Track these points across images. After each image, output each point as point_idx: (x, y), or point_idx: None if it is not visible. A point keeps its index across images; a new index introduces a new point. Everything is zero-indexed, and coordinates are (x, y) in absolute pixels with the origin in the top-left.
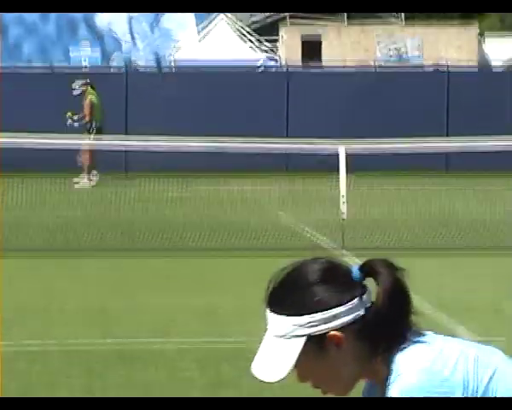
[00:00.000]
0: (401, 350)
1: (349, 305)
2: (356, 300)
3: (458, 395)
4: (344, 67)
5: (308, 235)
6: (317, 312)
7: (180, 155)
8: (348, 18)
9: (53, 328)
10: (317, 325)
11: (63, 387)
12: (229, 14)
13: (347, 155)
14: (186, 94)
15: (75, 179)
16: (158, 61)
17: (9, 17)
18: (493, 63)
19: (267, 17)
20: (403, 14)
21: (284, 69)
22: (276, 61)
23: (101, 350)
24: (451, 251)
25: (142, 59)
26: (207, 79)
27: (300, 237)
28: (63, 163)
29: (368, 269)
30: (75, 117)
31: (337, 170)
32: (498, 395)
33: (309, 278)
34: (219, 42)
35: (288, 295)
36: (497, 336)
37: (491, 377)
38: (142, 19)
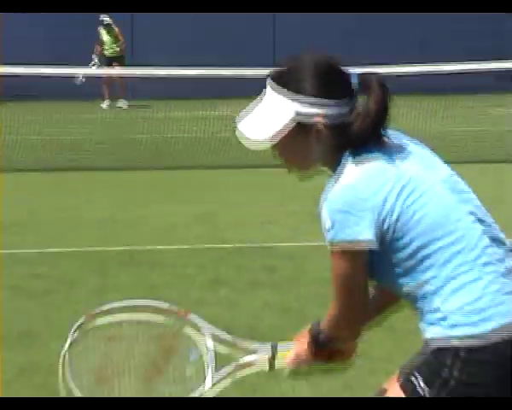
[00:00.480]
0: (352, 157)
1: (338, 102)
2: (345, 99)
3: (372, 215)
4: None
5: None
6: (312, 96)
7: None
8: None
9: (69, 235)
10: (308, 108)
11: (81, 286)
12: None
13: None
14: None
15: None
16: None
17: None
18: None
19: None
20: None
21: None
22: None
23: (112, 255)
24: None
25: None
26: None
27: None
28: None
29: (364, 80)
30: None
31: None
32: (413, 211)
33: (312, 66)
34: None
35: (290, 76)
36: None
37: (416, 199)
38: None
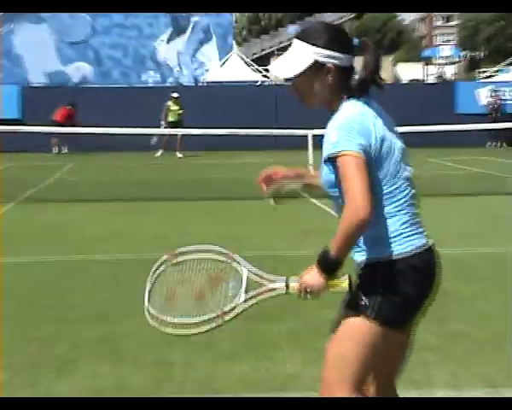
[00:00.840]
0: (350, 99)
1: (346, 55)
2: (348, 54)
3: (365, 139)
4: None
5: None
6: (327, 48)
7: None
8: None
9: (137, 246)
10: (323, 57)
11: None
12: (237, 51)
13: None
14: (212, 100)
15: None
16: (195, 80)
17: (104, 53)
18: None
19: (262, 50)
20: None
21: (273, 84)
22: (268, 78)
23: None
24: None
25: (186, 79)
26: (225, 91)
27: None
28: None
29: (363, 42)
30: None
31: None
32: (385, 154)
33: (326, 28)
34: (233, 68)
35: (312, 32)
36: None
37: (387, 148)
38: (186, 54)
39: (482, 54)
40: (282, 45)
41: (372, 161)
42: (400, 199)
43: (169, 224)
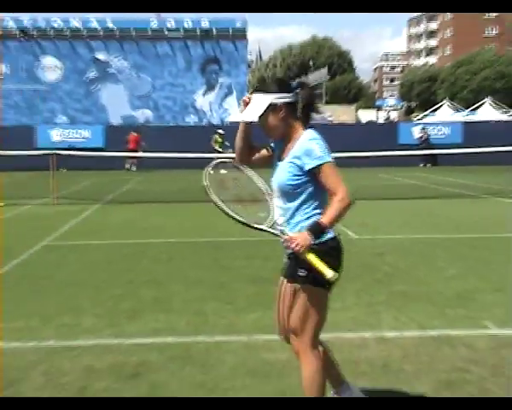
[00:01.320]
0: (307, 128)
1: (289, 94)
2: (292, 93)
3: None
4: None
5: None
6: (277, 93)
7: None
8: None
9: (179, 233)
10: (275, 99)
11: (180, 259)
12: None
13: None
14: (232, 134)
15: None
16: (222, 121)
17: (160, 103)
18: (361, 121)
19: None
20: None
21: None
22: None
23: (202, 244)
24: None
25: (215, 121)
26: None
27: None
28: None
29: (301, 82)
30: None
31: None
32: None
33: (275, 79)
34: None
35: (266, 85)
36: None
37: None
38: (215, 103)
39: (414, 104)
40: None
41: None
42: (325, 201)
43: (202, 219)
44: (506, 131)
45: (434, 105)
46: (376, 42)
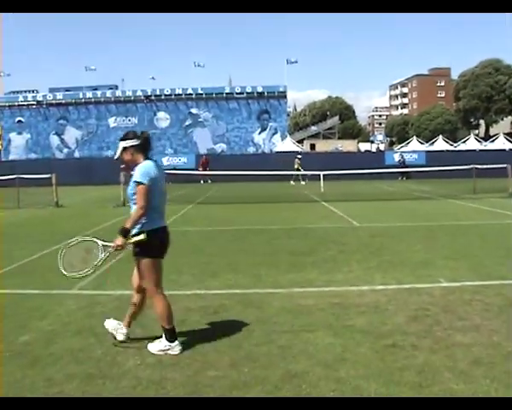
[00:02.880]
0: (146, 159)
1: (135, 140)
2: (137, 139)
3: (150, 178)
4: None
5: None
6: (127, 140)
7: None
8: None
9: (237, 221)
10: (128, 144)
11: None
12: (289, 137)
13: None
14: (276, 160)
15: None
16: (271, 151)
17: (231, 139)
18: (361, 150)
19: (305, 138)
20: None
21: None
22: (301, 150)
23: (251, 229)
24: None
25: (266, 150)
26: (282, 155)
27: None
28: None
29: (141, 133)
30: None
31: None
32: (154, 189)
33: (129, 132)
34: (287, 145)
35: (124, 136)
36: None
37: (156, 185)
38: (266, 139)
39: (395, 139)
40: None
41: (152, 186)
42: (157, 204)
43: (258, 214)
44: (453, 157)
45: (407, 140)
46: (370, 99)
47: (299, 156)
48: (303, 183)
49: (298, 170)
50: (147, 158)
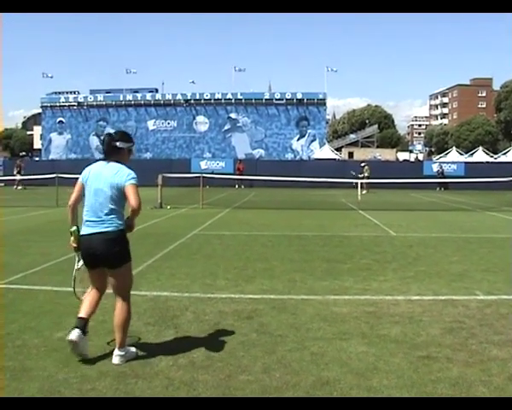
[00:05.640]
0: (123, 163)
1: (131, 143)
2: (129, 143)
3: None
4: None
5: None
6: (127, 142)
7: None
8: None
9: (266, 227)
10: (125, 145)
11: (254, 247)
12: (328, 144)
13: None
14: (315, 167)
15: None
16: (309, 157)
17: (269, 145)
18: (400, 159)
19: (343, 146)
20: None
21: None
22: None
23: (290, 237)
24: None
25: (305, 157)
26: (320, 162)
27: (340, 203)
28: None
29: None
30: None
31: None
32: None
33: (123, 135)
34: (325, 152)
35: (119, 138)
36: None
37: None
38: (305, 146)
39: (433, 149)
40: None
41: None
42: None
43: (293, 220)
44: (493, 168)
45: (446, 150)
46: (410, 109)
47: (363, 164)
48: (364, 192)
49: (368, 178)
50: (102, 159)
